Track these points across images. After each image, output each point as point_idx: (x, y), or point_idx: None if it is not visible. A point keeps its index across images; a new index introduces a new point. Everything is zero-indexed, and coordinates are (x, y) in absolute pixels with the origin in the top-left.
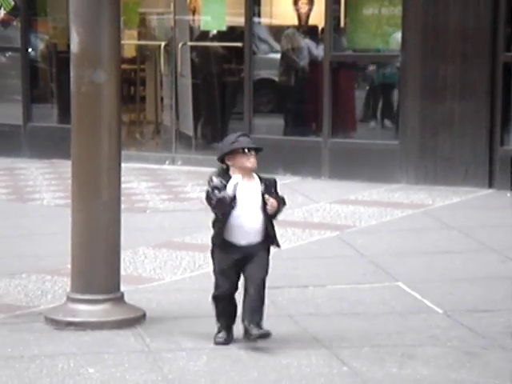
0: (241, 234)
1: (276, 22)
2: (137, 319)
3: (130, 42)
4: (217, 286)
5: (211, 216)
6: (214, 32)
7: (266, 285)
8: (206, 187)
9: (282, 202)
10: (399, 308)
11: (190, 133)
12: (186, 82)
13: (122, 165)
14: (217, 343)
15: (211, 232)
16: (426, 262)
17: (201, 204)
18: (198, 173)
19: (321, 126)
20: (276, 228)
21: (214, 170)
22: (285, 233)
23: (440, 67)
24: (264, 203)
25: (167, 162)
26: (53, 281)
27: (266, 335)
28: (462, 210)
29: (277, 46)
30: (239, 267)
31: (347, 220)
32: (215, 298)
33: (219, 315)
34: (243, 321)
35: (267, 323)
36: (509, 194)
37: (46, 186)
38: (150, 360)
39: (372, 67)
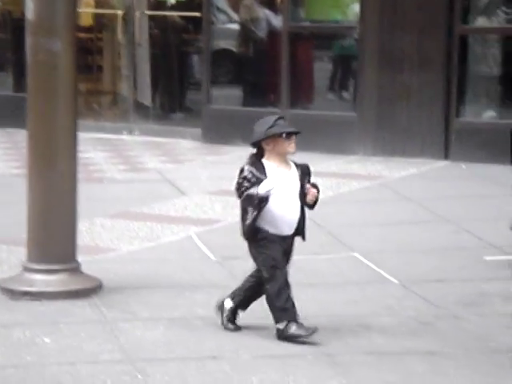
0: (284, 224)
1: None
2: (93, 289)
3: (86, 10)
4: (275, 280)
5: (169, 186)
6: (173, 1)
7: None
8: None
9: (318, 190)
10: (355, 278)
11: (148, 103)
12: (144, 52)
13: (79, 135)
14: (305, 341)
15: (168, 202)
16: (383, 233)
17: (158, 174)
18: (155, 143)
19: (279, 97)
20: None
21: (175, 140)
22: (238, 206)
23: (397, 39)
24: (302, 192)
25: (125, 132)
26: (8, 250)
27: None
28: (418, 182)
29: (235, 17)
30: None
31: None
32: (278, 292)
33: (285, 309)
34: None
35: (224, 293)
36: (464, 166)
37: (0, 156)
38: (106, 330)
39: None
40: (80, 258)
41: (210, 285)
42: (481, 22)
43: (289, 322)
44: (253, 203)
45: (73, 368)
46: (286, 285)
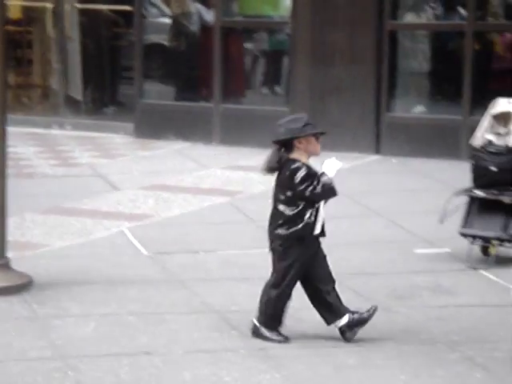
0: (319, 224)
1: None
2: (24, 286)
3: (15, 2)
4: (287, 290)
5: (101, 181)
6: None
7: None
8: (299, 176)
9: None
10: None
11: (79, 97)
12: (75, 46)
13: (9, 129)
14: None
15: (100, 198)
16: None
17: (90, 169)
18: (87, 138)
19: (212, 92)
20: None
21: (107, 135)
22: (175, 198)
23: (329, 34)
24: None
25: (55, 127)
26: None
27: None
28: (349, 176)
29: (167, 11)
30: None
31: (238, 186)
32: (280, 301)
33: (277, 318)
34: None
35: (157, 289)
36: (394, 160)
37: None
38: (37, 327)
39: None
40: (10, 254)
41: (142, 280)
42: (410, 17)
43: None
44: (334, 192)
45: (2, 365)
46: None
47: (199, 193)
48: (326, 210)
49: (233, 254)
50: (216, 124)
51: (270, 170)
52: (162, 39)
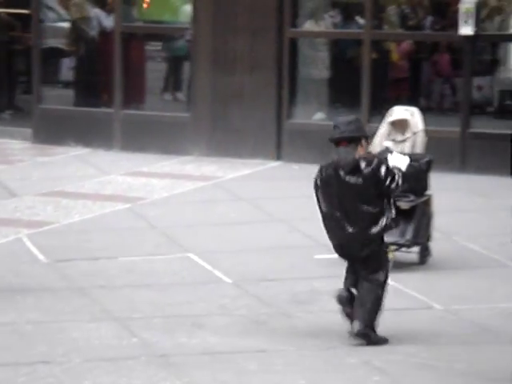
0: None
1: None
2: None
3: None
4: (386, 285)
5: None
6: None
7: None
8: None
9: None
10: (190, 279)
11: None
12: None
13: None
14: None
15: (10, 206)
16: (217, 233)
17: None
18: None
19: (112, 98)
20: None
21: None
22: (75, 205)
23: (230, 41)
24: None
25: None
26: None
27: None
28: (251, 182)
29: (66, 15)
30: None
31: (139, 192)
32: (382, 298)
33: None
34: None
35: (57, 297)
36: (295, 166)
37: None
38: None
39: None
40: None
41: (41, 288)
42: (310, 25)
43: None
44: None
45: None
46: None
47: (100, 199)
48: (228, 216)
49: (134, 260)
50: (117, 130)
51: (354, 168)
52: (61, 44)
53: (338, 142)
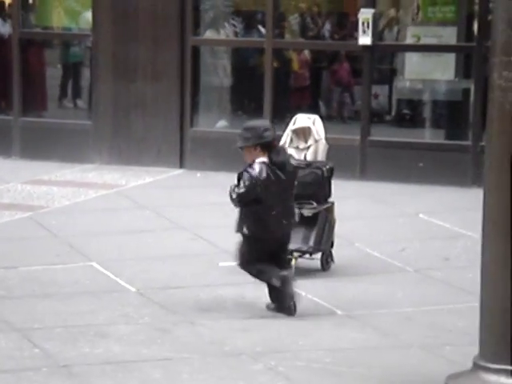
0: None
1: None
2: None
3: None
4: None
5: None
6: None
7: None
8: None
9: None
10: (93, 288)
11: None
12: None
13: None
14: None
15: None
16: (120, 241)
17: None
18: None
19: (11, 105)
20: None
21: None
22: None
23: (131, 49)
24: None
25: None
26: None
27: None
28: (154, 190)
29: None
30: None
31: (40, 200)
32: None
33: None
34: None
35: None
36: (198, 174)
37: None
38: None
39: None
40: None
41: None
42: (212, 34)
43: None
44: None
45: None
46: None
47: None
48: (131, 224)
49: (35, 270)
50: (16, 137)
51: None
52: None
53: (273, 143)
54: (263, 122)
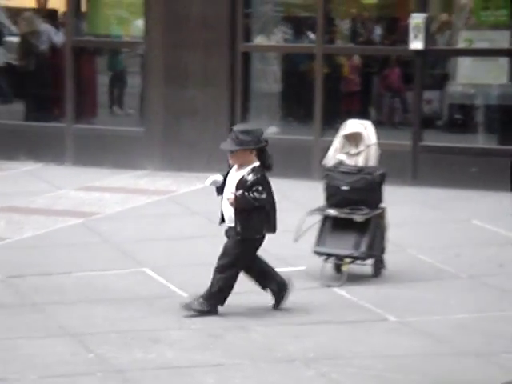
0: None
1: (13, 4)
2: None
3: None
4: None
5: None
6: None
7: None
8: None
9: (238, 198)
10: (145, 293)
11: None
12: None
13: None
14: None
15: None
16: (171, 247)
17: None
18: None
19: (64, 112)
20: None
21: None
22: (27, 220)
23: (183, 55)
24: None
25: None
26: None
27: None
28: (204, 196)
29: (15, 30)
30: None
31: (92, 207)
32: None
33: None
34: None
35: (10, 313)
36: None
37: None
38: None
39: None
40: None
41: None
42: (261, 40)
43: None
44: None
45: None
46: None
47: (52, 214)
48: (182, 230)
49: (88, 275)
50: (69, 144)
51: None
52: (11, 58)
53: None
54: (258, 126)
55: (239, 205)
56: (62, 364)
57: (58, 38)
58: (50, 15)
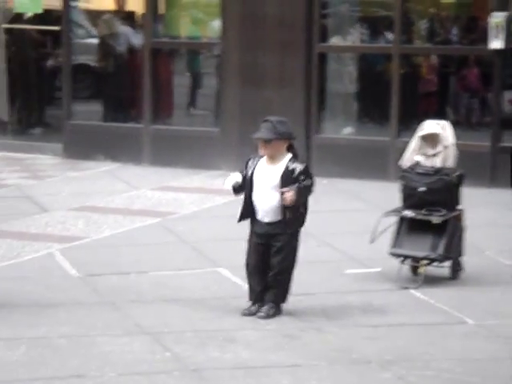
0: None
1: (93, 6)
2: None
3: None
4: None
5: (30, 203)
6: (30, 15)
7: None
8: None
9: (298, 191)
10: (220, 293)
11: (5, 118)
12: (0, 66)
13: None
14: (244, 314)
15: (29, 219)
16: (246, 247)
17: (18, 191)
18: (14, 159)
19: (141, 113)
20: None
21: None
22: (106, 220)
23: (259, 56)
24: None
25: None
26: None
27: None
28: None
29: (94, 32)
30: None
31: (168, 207)
32: None
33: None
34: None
35: (88, 311)
36: (325, 181)
37: None
38: None
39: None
40: None
41: (72, 302)
42: (337, 40)
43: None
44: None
45: None
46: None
47: (130, 214)
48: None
49: (164, 275)
50: (146, 145)
51: None
52: (90, 60)
53: None
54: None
55: (299, 199)
56: (139, 362)
57: (136, 39)
58: (129, 17)
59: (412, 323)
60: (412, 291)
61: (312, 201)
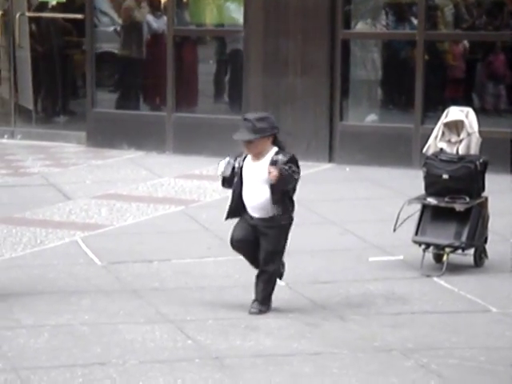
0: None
1: None
2: None
3: None
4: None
5: (54, 190)
6: (54, 3)
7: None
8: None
9: (286, 172)
10: (243, 281)
11: (30, 106)
12: (25, 54)
13: None
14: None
15: (52, 207)
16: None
17: (42, 179)
18: (38, 147)
19: (165, 101)
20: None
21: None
22: (129, 208)
23: (282, 43)
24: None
25: (6, 136)
26: None
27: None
28: (303, 184)
29: (118, 19)
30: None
31: (192, 194)
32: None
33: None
34: None
35: (111, 299)
36: (348, 168)
37: None
38: None
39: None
40: None
41: (96, 290)
42: (361, 27)
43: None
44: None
45: None
46: None
47: (153, 202)
48: None
49: (187, 263)
50: (169, 133)
51: None
52: (114, 48)
53: None
54: (268, 113)
55: (283, 180)
56: (161, 350)
57: (159, 27)
58: (152, 5)
59: (435, 311)
60: (435, 279)
61: (334, 188)
